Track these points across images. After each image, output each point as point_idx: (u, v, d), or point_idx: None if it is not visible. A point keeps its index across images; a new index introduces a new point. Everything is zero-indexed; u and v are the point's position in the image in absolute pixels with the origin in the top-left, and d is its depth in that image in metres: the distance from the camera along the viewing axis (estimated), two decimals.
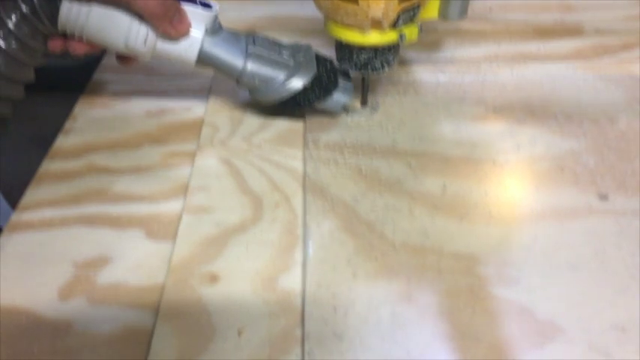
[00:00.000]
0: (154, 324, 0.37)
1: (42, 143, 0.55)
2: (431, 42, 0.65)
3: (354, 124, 0.54)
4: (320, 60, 0.52)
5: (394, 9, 0.47)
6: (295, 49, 0.52)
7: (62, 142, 0.52)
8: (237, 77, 0.50)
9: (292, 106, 0.51)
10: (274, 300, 0.38)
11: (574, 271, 0.40)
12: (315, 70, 0.50)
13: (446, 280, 0.40)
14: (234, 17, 0.71)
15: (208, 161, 0.49)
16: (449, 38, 0.66)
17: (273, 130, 0.53)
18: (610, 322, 0.37)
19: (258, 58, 0.49)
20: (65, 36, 0.47)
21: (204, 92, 0.58)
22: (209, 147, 0.51)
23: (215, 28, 0.49)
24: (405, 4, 0.47)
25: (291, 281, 0.40)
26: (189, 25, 0.47)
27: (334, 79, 0.52)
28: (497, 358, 0.35)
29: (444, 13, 0.52)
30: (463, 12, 0.52)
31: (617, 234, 0.43)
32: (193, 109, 0.56)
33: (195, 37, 0.48)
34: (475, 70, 0.61)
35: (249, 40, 0.50)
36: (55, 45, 0.47)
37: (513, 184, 0.48)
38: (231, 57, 0.49)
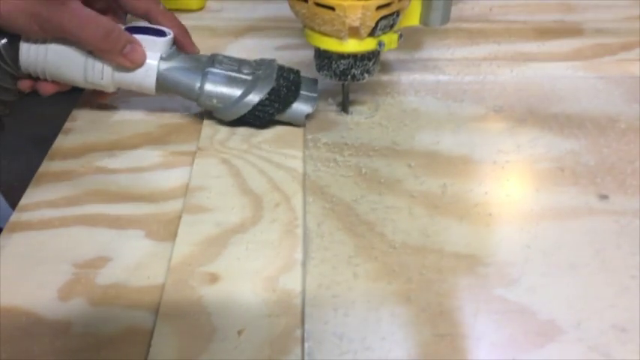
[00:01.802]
0: (154, 324, 0.37)
1: (42, 143, 0.55)
2: (431, 42, 0.65)
3: (354, 124, 0.54)
4: (282, 72, 0.52)
5: (372, 17, 0.46)
6: (258, 65, 0.52)
7: (62, 142, 0.52)
8: (196, 98, 0.50)
9: (254, 121, 0.51)
10: (274, 300, 0.38)
11: (574, 271, 0.40)
12: (272, 83, 0.50)
13: (446, 280, 0.40)
14: (234, 17, 0.71)
15: (208, 161, 0.49)
16: (449, 38, 0.66)
17: (273, 130, 0.53)
18: (610, 322, 0.37)
19: (215, 77, 0.50)
20: (33, 77, 0.48)
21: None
22: (209, 147, 0.51)
23: (170, 54, 0.50)
24: (383, 12, 0.46)
25: (291, 281, 0.40)
26: (144, 55, 0.48)
27: (295, 90, 0.51)
28: (497, 358, 0.35)
29: (425, 20, 0.51)
30: (445, 18, 0.51)
31: (617, 234, 0.43)
32: (193, 109, 0.56)
33: (151, 65, 0.49)
34: (475, 70, 0.61)
35: (209, 61, 0.51)
36: (25, 85, 0.49)
37: (513, 184, 0.48)
38: (188, 79, 0.50)
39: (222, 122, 0.53)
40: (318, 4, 0.46)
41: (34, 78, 0.49)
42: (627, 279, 0.40)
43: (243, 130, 0.53)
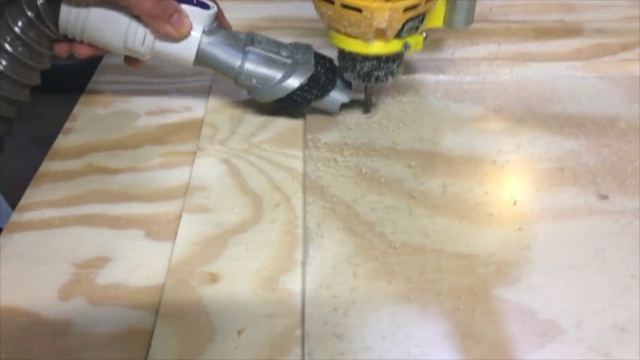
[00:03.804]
0: (154, 324, 0.37)
1: (42, 143, 0.55)
2: (430, 42, 0.65)
3: (354, 124, 0.54)
4: (319, 59, 0.52)
5: (399, 19, 0.46)
6: (294, 48, 0.52)
7: (62, 142, 0.52)
8: (235, 77, 0.50)
9: (290, 105, 0.51)
10: (274, 300, 0.38)
11: (574, 271, 0.40)
12: (312, 69, 0.50)
13: (446, 280, 0.40)
14: (234, 17, 0.71)
15: (208, 161, 0.49)
16: (449, 38, 0.66)
17: (273, 130, 0.53)
18: (610, 322, 0.37)
19: (256, 57, 0.50)
20: (69, 39, 0.47)
21: (204, 92, 0.58)
22: (209, 147, 0.51)
23: (213, 28, 0.49)
24: (410, 14, 0.46)
25: (291, 281, 0.40)
26: (190, 26, 0.47)
27: (332, 78, 0.52)
28: (497, 358, 0.35)
29: (449, 22, 0.51)
30: (469, 20, 0.51)
31: (617, 234, 0.43)
32: (193, 109, 0.56)
33: (194, 37, 0.48)
34: (475, 70, 0.61)
35: (248, 39, 0.50)
36: (61, 48, 0.48)
37: (513, 184, 0.48)
38: (229, 57, 0.49)
39: (222, 122, 0.53)
40: (344, 6, 0.45)
41: (70, 40, 0.48)
42: (627, 279, 0.40)
43: (243, 130, 0.53)
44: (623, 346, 0.36)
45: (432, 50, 0.64)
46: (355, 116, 0.55)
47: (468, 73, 0.60)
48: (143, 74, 0.61)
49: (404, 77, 0.60)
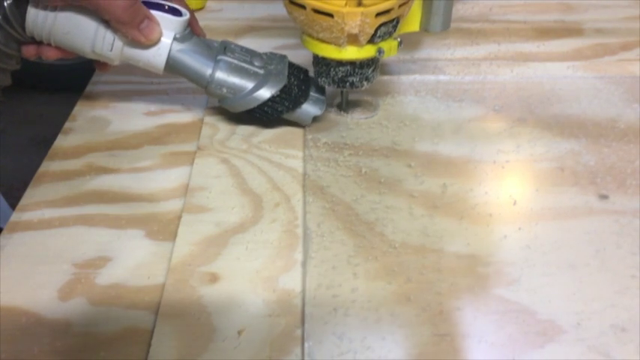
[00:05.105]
0: (154, 324, 0.37)
1: (42, 143, 0.55)
2: (431, 42, 0.65)
3: (354, 124, 0.54)
4: (293, 70, 0.51)
5: (371, 24, 0.45)
6: (269, 59, 0.51)
7: (62, 142, 0.52)
8: (206, 85, 0.49)
9: (261, 116, 0.51)
10: (274, 300, 0.38)
11: (574, 271, 0.40)
12: (284, 80, 0.50)
13: (446, 280, 0.40)
14: (235, 17, 0.71)
15: (208, 161, 0.49)
16: (449, 38, 0.66)
17: (273, 130, 0.53)
18: (610, 322, 0.37)
19: (227, 66, 0.49)
20: (37, 41, 0.47)
21: (204, 92, 0.58)
22: (209, 147, 0.51)
23: (184, 35, 0.48)
24: (382, 19, 0.46)
25: (291, 281, 0.40)
26: (159, 33, 0.47)
27: (306, 90, 0.51)
28: (497, 358, 0.35)
29: (425, 26, 0.51)
30: (446, 23, 0.50)
31: (617, 234, 0.43)
32: (193, 109, 0.56)
33: (164, 44, 0.47)
34: (475, 70, 0.61)
35: (221, 48, 0.50)
36: (29, 51, 0.48)
37: (513, 184, 0.48)
38: (200, 65, 0.49)
39: (222, 122, 0.53)
40: (316, 11, 0.45)
41: (38, 42, 0.47)
42: (627, 279, 0.40)
43: (243, 130, 0.53)
44: (623, 346, 0.36)
45: (432, 50, 0.64)
46: (355, 116, 0.55)
47: (468, 73, 0.60)
48: (143, 74, 0.60)
49: (404, 77, 0.60)
